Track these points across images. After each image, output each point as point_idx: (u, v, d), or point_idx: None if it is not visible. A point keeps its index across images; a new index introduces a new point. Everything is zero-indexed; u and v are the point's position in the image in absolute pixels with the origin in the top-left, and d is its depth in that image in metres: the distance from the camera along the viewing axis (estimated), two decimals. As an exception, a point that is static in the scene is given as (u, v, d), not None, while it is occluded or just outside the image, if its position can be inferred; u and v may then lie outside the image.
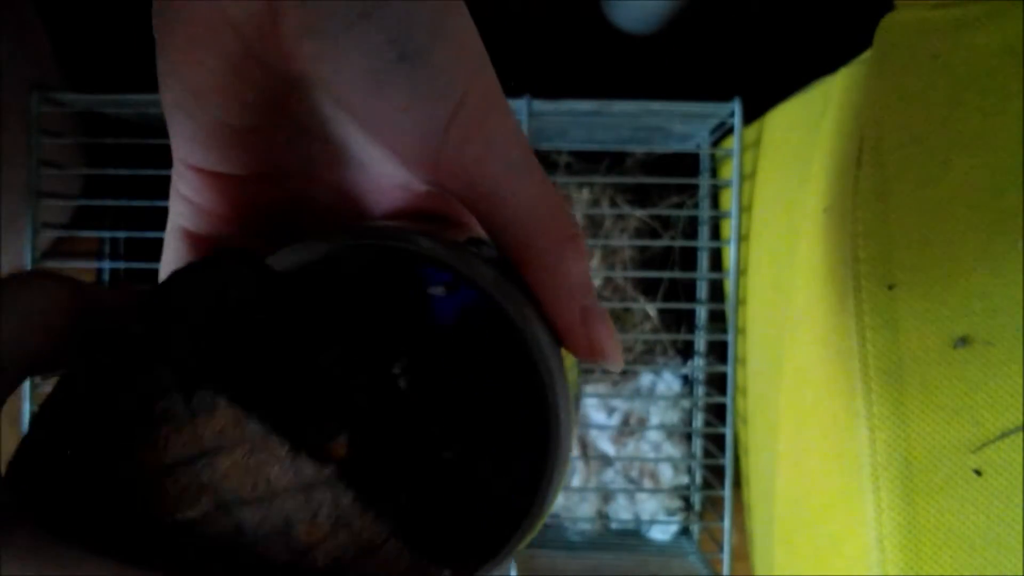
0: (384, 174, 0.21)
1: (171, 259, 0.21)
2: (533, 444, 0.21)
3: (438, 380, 0.22)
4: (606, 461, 0.69)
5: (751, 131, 0.60)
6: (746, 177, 0.59)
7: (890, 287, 0.37)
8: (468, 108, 0.19)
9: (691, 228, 0.72)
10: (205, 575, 0.15)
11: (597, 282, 0.71)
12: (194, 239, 0.21)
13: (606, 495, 0.69)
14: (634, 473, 0.69)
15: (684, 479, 0.69)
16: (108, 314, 0.17)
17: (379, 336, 0.22)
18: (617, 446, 0.69)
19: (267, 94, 0.19)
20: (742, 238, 0.60)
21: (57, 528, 0.15)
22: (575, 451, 0.69)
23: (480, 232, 0.24)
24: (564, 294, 0.20)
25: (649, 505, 0.69)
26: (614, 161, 0.73)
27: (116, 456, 0.15)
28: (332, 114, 0.20)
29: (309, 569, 0.16)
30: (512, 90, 0.56)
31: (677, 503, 0.69)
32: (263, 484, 0.15)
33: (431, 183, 0.20)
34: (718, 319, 0.68)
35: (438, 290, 0.22)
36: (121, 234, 0.59)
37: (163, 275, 0.21)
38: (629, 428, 0.69)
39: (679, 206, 0.71)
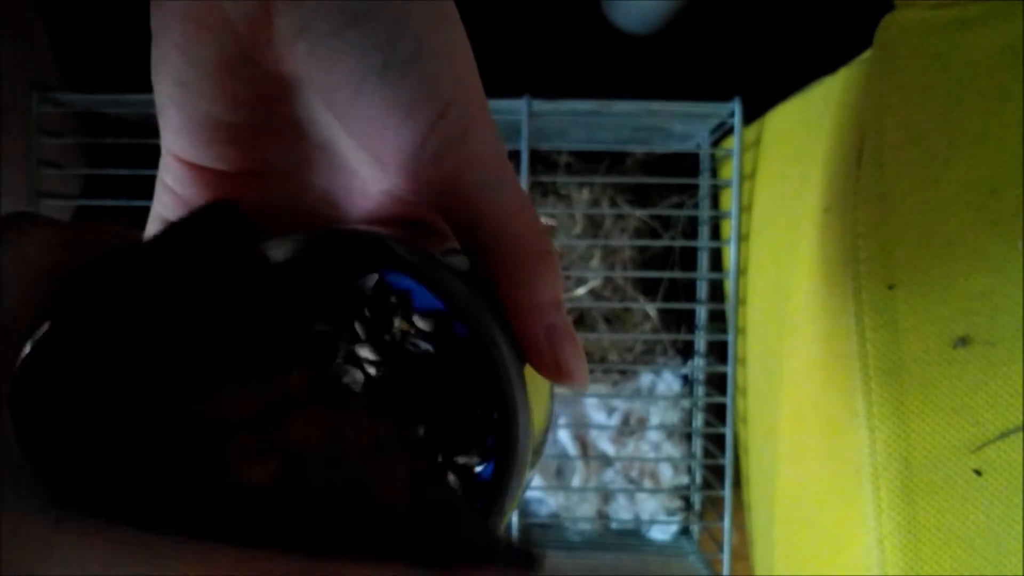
0: (369, 178, 0.21)
1: None
2: (495, 452, 0.21)
3: (403, 386, 0.22)
4: (606, 461, 0.69)
5: (751, 131, 0.60)
6: (746, 177, 0.59)
7: (890, 287, 0.37)
8: (449, 120, 0.19)
9: (691, 228, 0.72)
10: (278, 539, 0.15)
11: (597, 282, 0.71)
12: None
13: (606, 495, 0.69)
14: (634, 473, 0.69)
15: (684, 479, 0.69)
16: (96, 257, 0.16)
17: (344, 342, 0.22)
18: (617, 446, 0.69)
19: (257, 92, 0.19)
20: (742, 238, 0.60)
21: (80, 500, 0.14)
22: (576, 451, 0.69)
23: (452, 246, 0.24)
24: (532, 311, 0.20)
25: (649, 505, 0.69)
26: (614, 161, 0.73)
27: (155, 414, 0.14)
28: (320, 116, 0.20)
29: (386, 531, 0.15)
30: (512, 90, 0.56)
31: (677, 503, 0.69)
32: (340, 445, 0.15)
33: (408, 191, 0.20)
34: (718, 319, 0.68)
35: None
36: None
37: None
38: (629, 428, 0.69)
39: (679, 206, 0.71)
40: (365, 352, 0.21)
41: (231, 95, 0.19)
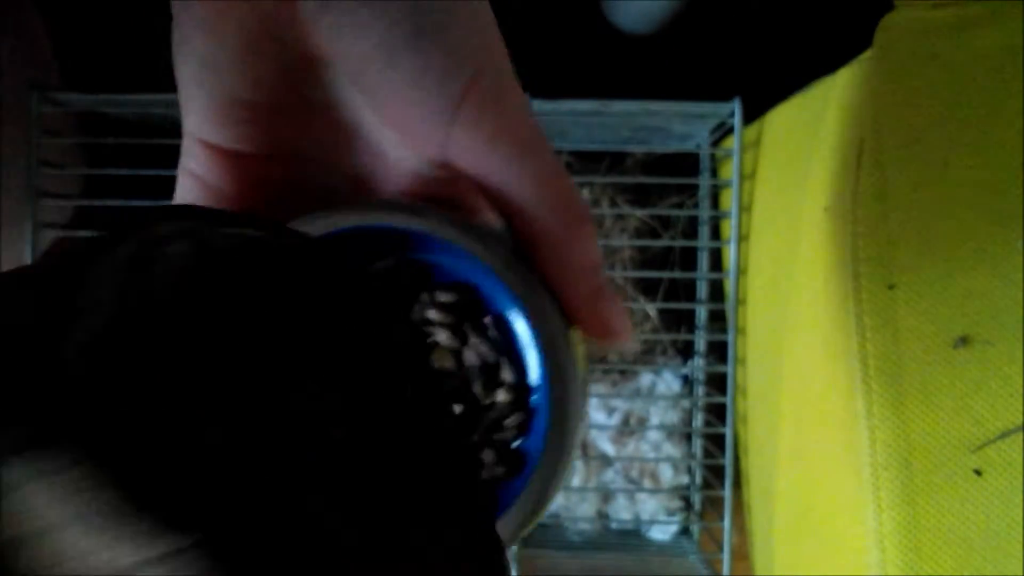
0: (396, 158, 0.21)
1: None
2: (541, 425, 0.21)
3: (434, 367, 0.22)
4: (606, 461, 0.69)
5: (751, 131, 0.60)
6: (746, 177, 0.59)
7: (890, 287, 0.37)
8: (481, 86, 0.19)
9: (691, 228, 0.72)
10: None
11: (597, 282, 0.71)
12: None
13: (606, 495, 0.69)
14: (634, 473, 0.69)
15: (684, 479, 0.69)
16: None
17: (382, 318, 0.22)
18: (617, 446, 0.69)
19: (282, 71, 0.19)
20: (742, 238, 0.60)
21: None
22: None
23: (488, 219, 0.24)
24: (575, 274, 0.20)
25: (649, 505, 0.69)
26: (614, 161, 0.73)
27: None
28: (346, 95, 0.20)
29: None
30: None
31: (677, 503, 0.69)
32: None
33: (440, 163, 0.20)
34: (718, 319, 0.68)
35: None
36: (121, 234, 0.59)
37: None
38: (629, 428, 0.69)
39: (679, 206, 0.71)
40: None
41: (255, 74, 0.19)
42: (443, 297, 0.22)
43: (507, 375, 0.22)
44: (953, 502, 0.35)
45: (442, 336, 0.22)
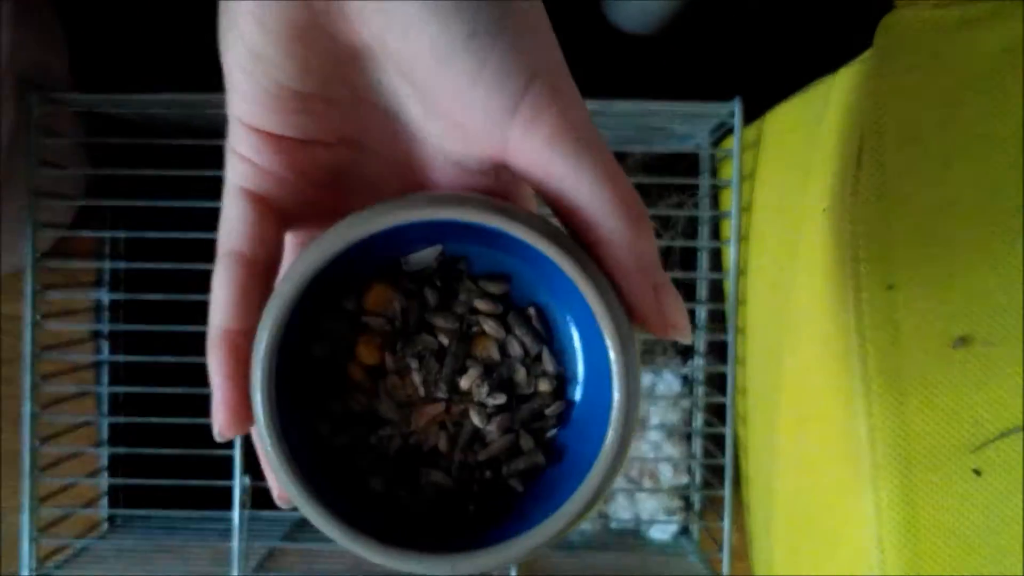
0: (439, 150, 0.21)
1: (233, 216, 0.21)
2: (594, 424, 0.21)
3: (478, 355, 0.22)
4: (606, 461, 0.69)
5: (751, 131, 0.60)
6: (746, 177, 0.59)
7: (890, 287, 0.37)
8: (538, 86, 0.18)
9: (691, 228, 0.72)
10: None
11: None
12: (255, 198, 0.21)
13: (606, 495, 0.69)
14: (634, 473, 0.69)
15: (684, 479, 0.69)
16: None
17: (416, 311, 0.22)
18: (617, 446, 0.69)
19: (330, 62, 0.19)
20: (742, 238, 0.60)
21: None
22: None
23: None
24: (638, 272, 0.20)
25: (649, 505, 0.69)
26: (614, 161, 0.72)
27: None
28: (393, 87, 0.20)
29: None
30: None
31: (677, 503, 0.69)
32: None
33: (495, 163, 0.20)
34: (718, 319, 0.68)
35: None
36: (121, 234, 0.59)
37: (223, 234, 0.21)
38: (629, 428, 0.69)
39: (679, 206, 0.71)
40: (439, 321, 0.22)
41: (303, 65, 0.19)
42: (491, 288, 0.22)
43: (549, 366, 0.22)
44: (952, 501, 0.35)
45: (489, 326, 0.22)
